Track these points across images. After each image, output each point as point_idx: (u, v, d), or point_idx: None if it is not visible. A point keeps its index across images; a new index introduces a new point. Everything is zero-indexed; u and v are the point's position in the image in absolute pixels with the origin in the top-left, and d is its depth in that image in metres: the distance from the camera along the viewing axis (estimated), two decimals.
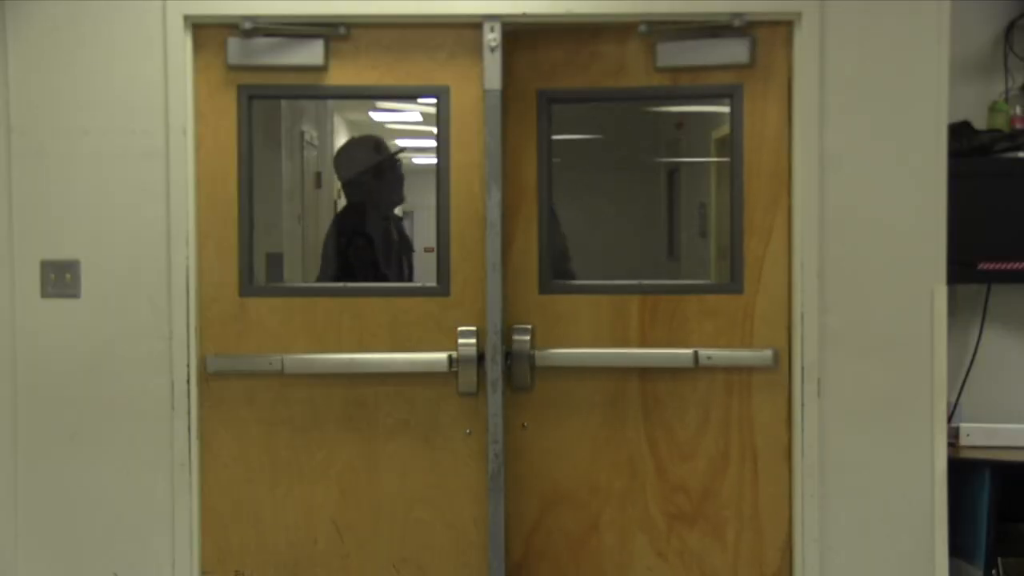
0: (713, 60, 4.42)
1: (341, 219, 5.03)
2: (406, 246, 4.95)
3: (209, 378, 4.34)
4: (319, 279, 4.87)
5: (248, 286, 4.41)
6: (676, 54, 4.49)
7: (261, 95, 4.45)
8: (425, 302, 4.43)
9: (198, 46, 4.33)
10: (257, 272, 4.51)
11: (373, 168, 4.93)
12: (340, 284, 4.58)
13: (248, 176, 4.40)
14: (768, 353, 4.39)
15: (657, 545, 4.52)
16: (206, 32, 4.32)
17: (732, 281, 4.48)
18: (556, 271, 4.55)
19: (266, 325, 4.40)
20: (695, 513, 4.51)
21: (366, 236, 4.89)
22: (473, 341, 4.36)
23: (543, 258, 4.48)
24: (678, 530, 4.51)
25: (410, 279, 4.98)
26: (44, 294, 4.26)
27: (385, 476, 4.46)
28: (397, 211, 5.05)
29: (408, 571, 4.48)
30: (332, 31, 4.37)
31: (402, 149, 5.12)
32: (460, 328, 4.39)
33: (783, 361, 4.38)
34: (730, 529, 4.49)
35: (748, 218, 4.44)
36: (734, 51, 4.41)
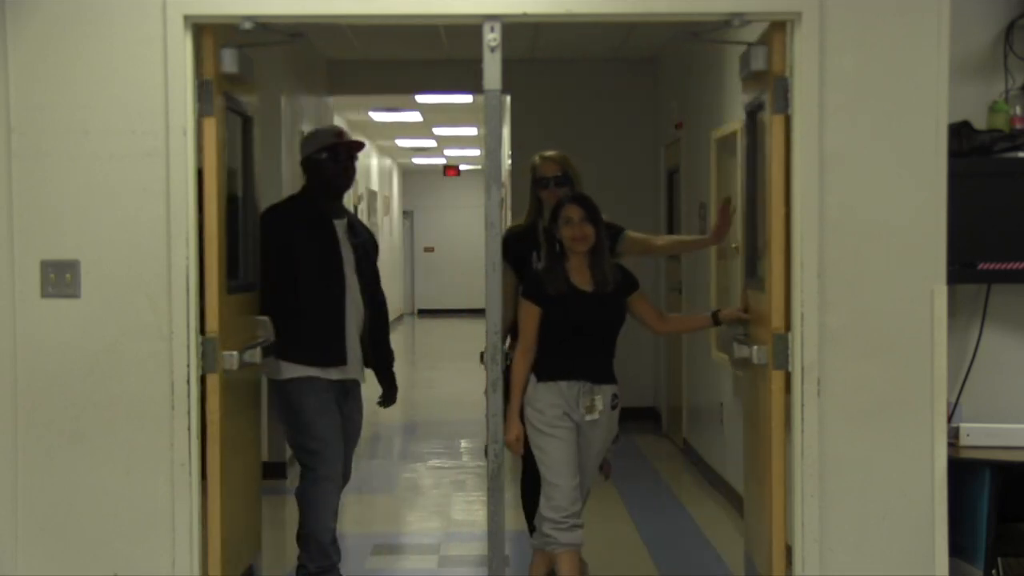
0: (759, 66, 4.49)
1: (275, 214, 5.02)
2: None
3: (224, 374, 4.37)
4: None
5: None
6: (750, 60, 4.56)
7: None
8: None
9: (211, 48, 4.33)
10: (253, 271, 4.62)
11: (328, 148, 4.97)
12: None
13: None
14: (756, 349, 4.42)
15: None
16: (216, 34, 4.33)
17: (761, 279, 4.56)
18: None
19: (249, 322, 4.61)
20: (760, 493, 4.64)
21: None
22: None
23: (749, 255, 4.99)
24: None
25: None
26: (44, 294, 4.26)
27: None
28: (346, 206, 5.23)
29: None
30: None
31: (361, 145, 5.22)
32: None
33: (768, 358, 4.39)
34: (763, 514, 4.54)
35: (765, 218, 4.50)
36: (760, 57, 4.47)
